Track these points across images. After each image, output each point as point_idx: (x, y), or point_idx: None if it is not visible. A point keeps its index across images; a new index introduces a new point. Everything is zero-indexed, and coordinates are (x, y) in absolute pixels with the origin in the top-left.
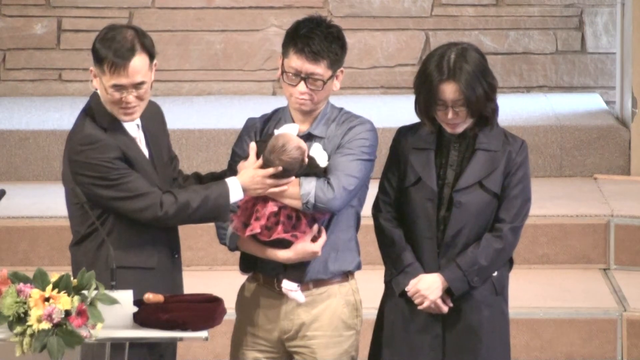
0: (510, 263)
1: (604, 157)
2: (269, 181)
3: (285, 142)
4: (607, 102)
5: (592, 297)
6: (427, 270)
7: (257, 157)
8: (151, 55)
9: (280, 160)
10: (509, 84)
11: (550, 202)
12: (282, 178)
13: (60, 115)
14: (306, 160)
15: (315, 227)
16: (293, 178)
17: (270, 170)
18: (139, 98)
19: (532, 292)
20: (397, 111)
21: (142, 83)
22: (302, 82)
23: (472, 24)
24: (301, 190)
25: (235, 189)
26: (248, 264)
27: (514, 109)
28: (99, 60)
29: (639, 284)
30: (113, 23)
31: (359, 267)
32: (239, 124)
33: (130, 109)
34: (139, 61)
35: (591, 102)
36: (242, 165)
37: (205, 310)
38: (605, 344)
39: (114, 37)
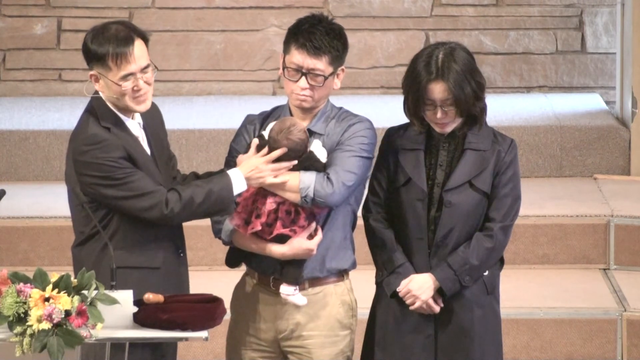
0: (501, 262)
1: (604, 157)
2: (271, 166)
3: (292, 124)
4: (607, 102)
5: (592, 297)
6: (418, 270)
7: (258, 152)
8: (145, 39)
9: (288, 140)
10: (509, 84)
11: (550, 202)
12: (286, 160)
13: (60, 115)
14: (309, 146)
15: (313, 224)
16: (295, 162)
17: (275, 154)
18: (147, 83)
19: (532, 292)
20: (397, 111)
21: (147, 66)
22: (303, 78)
23: (472, 24)
24: (300, 184)
25: (238, 180)
26: (235, 258)
27: (514, 109)
28: (99, 58)
29: (639, 284)
30: (94, 25)
31: (354, 265)
32: (239, 124)
33: (143, 96)
34: (139, 46)
35: (591, 102)
36: (241, 159)
37: (205, 310)
38: (605, 344)
39: (105, 32)
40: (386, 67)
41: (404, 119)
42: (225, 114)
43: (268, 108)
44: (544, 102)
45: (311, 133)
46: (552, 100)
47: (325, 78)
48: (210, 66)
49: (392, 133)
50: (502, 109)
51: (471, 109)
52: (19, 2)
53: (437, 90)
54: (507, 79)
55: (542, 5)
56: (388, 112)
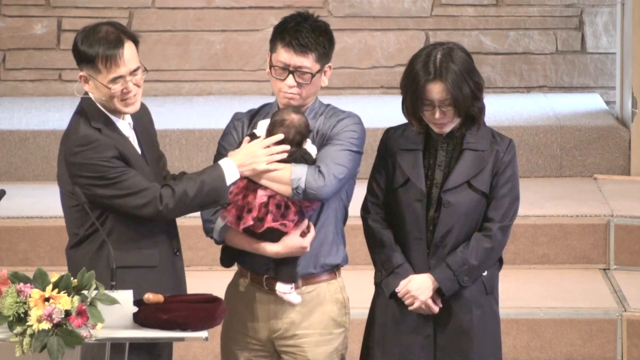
0: (500, 262)
1: (604, 157)
2: (267, 150)
3: (300, 116)
4: (607, 102)
5: (592, 297)
6: (417, 270)
7: None
8: (135, 41)
9: (292, 121)
10: (509, 84)
11: (550, 202)
12: (284, 144)
13: (60, 115)
14: (307, 139)
15: (305, 221)
16: (289, 147)
17: (273, 139)
18: (136, 85)
19: (532, 292)
20: (396, 111)
21: (137, 69)
22: (290, 76)
23: (472, 24)
24: (292, 175)
25: (230, 169)
26: (230, 257)
27: (514, 109)
28: (89, 60)
29: (639, 284)
30: (84, 26)
31: (346, 260)
32: None
33: (132, 98)
34: (128, 48)
35: (591, 102)
36: (232, 154)
37: (205, 310)
38: (605, 344)
39: (95, 34)
40: (386, 67)
41: (403, 119)
42: (225, 114)
43: None
44: (544, 102)
45: None
46: (552, 100)
47: (313, 75)
48: (210, 66)
49: (391, 133)
50: (502, 109)
51: (469, 109)
52: (19, 2)
53: (436, 90)
54: (507, 79)
55: (542, 5)
56: (388, 112)
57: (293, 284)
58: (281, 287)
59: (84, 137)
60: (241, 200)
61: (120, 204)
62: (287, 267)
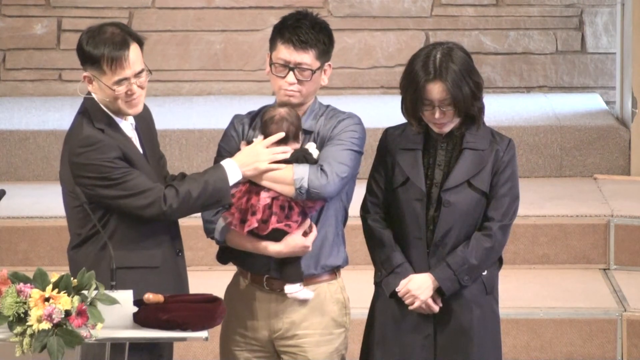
0: (499, 262)
1: (604, 157)
2: (268, 150)
3: (287, 108)
4: (607, 102)
5: (592, 297)
6: (417, 270)
7: None
8: (140, 43)
9: (282, 115)
10: (509, 84)
11: (550, 202)
12: (282, 144)
13: (60, 115)
14: (311, 142)
15: (307, 221)
16: (290, 149)
17: (274, 138)
18: (140, 87)
19: (532, 292)
20: (396, 111)
21: (141, 71)
22: (291, 73)
23: (472, 24)
24: (294, 175)
25: (233, 170)
26: (227, 254)
27: (514, 109)
28: (94, 61)
29: (639, 284)
30: (89, 26)
31: (346, 261)
32: None
33: (136, 100)
34: (134, 50)
35: (591, 102)
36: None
37: (205, 310)
38: (605, 344)
39: (100, 35)
40: (386, 67)
41: (403, 119)
42: (225, 114)
43: None
44: (544, 102)
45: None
46: (552, 100)
47: (313, 72)
48: (210, 66)
49: (390, 133)
50: (502, 109)
51: (469, 109)
52: (19, 2)
53: (436, 90)
54: (507, 79)
55: (542, 5)
56: (388, 112)
57: (301, 282)
58: (290, 288)
59: (87, 137)
60: (244, 203)
61: (123, 205)
62: (292, 268)
